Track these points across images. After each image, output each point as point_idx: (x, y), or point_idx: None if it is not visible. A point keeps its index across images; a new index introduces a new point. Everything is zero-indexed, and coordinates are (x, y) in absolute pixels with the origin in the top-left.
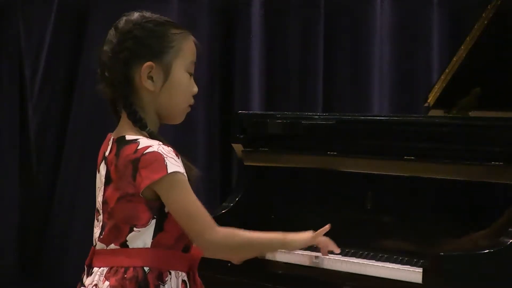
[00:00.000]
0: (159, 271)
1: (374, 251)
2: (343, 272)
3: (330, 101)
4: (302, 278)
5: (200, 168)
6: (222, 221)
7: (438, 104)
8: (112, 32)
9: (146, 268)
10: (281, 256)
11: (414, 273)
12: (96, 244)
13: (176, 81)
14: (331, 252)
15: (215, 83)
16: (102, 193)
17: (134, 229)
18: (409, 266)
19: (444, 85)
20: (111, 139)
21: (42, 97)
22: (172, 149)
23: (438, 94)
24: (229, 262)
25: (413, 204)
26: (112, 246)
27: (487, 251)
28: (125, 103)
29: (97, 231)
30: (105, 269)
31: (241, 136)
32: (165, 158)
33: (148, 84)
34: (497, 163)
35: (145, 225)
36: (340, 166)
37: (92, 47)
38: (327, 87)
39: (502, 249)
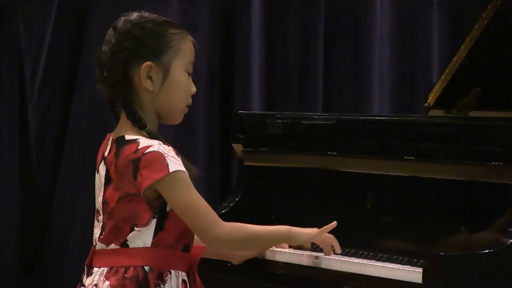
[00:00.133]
0: (159, 270)
1: (374, 251)
2: (343, 272)
3: (330, 101)
4: (302, 278)
5: (200, 168)
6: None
7: (438, 104)
8: (110, 32)
9: (146, 268)
10: (281, 256)
11: (414, 273)
12: (96, 244)
13: (175, 80)
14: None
15: (215, 83)
16: (102, 194)
17: (135, 228)
18: (409, 266)
19: (444, 85)
20: (110, 139)
21: (42, 97)
22: (172, 148)
23: (438, 94)
24: (229, 262)
25: (413, 204)
26: (112, 246)
27: (487, 251)
28: (124, 103)
29: (97, 232)
30: (105, 269)
31: (241, 136)
32: (166, 158)
33: (147, 83)
34: (497, 163)
35: (146, 224)
36: (340, 166)
37: (92, 47)
38: (327, 87)
39: (502, 249)
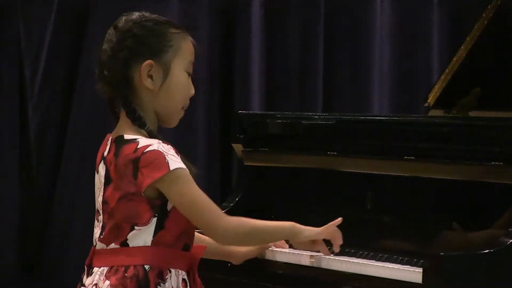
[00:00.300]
0: (160, 269)
1: (374, 251)
2: (343, 272)
3: (330, 101)
4: (302, 278)
5: (200, 168)
6: None
7: (438, 104)
8: (111, 31)
9: (146, 267)
10: (281, 256)
11: (414, 273)
12: (96, 244)
13: (175, 80)
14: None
15: (215, 83)
16: (102, 193)
17: (135, 228)
18: (409, 266)
19: (444, 85)
20: (110, 139)
21: (42, 97)
22: (171, 147)
23: (438, 94)
24: (229, 262)
25: (413, 204)
26: (113, 245)
27: (487, 251)
28: (124, 102)
29: (97, 231)
30: (105, 269)
31: (241, 136)
32: (166, 156)
33: (147, 82)
34: (497, 163)
35: (146, 223)
36: (340, 166)
37: (92, 47)
38: (327, 87)
39: (502, 249)
